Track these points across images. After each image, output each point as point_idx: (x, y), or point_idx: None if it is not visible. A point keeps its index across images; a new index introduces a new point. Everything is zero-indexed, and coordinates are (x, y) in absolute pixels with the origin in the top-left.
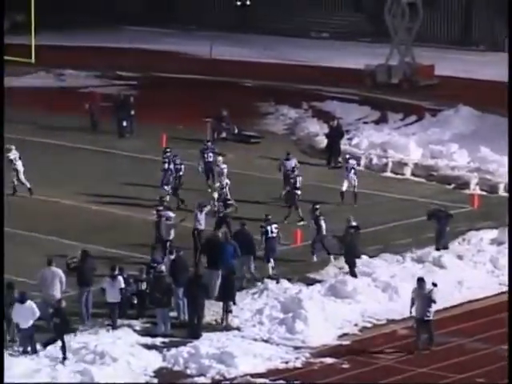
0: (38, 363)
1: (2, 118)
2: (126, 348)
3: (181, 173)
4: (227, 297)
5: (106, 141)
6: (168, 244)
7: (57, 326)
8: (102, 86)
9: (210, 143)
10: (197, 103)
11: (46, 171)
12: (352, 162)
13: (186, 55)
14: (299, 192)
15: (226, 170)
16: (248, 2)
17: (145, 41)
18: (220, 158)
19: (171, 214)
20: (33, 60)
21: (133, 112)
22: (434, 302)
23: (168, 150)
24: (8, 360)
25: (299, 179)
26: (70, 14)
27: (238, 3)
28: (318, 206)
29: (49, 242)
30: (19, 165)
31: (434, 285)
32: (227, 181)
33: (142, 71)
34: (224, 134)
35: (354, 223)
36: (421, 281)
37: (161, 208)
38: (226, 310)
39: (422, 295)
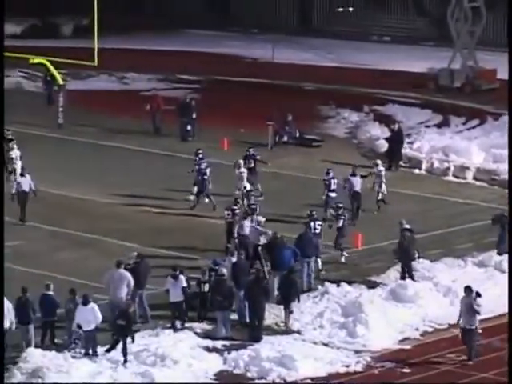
0: (99, 365)
1: (2, 118)
2: (186, 350)
3: (205, 176)
4: (288, 298)
5: (169, 144)
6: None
7: (121, 327)
8: (164, 90)
9: (252, 150)
10: (258, 107)
11: (108, 174)
12: (380, 168)
13: (247, 58)
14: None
15: (245, 175)
16: (350, 9)
17: (207, 44)
18: (240, 161)
19: (261, 219)
20: (96, 63)
21: (194, 115)
22: (478, 312)
23: (200, 151)
24: (70, 362)
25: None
26: (133, 17)
27: (340, 9)
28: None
29: (110, 244)
30: (18, 164)
31: (478, 295)
32: (247, 185)
33: (204, 74)
34: (285, 138)
35: (407, 226)
36: (467, 289)
37: (235, 208)
38: (288, 312)
39: (467, 304)
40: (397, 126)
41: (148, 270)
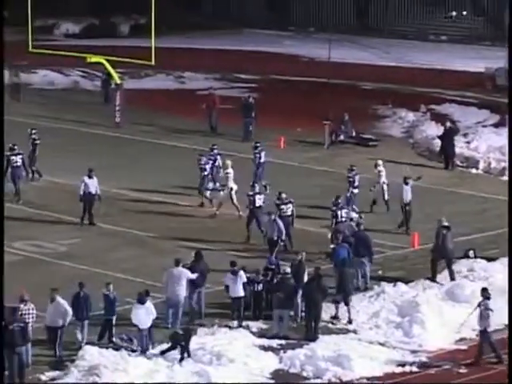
0: (155, 364)
1: (1, 118)
2: (242, 349)
3: (205, 172)
4: (344, 293)
5: (225, 143)
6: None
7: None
8: (221, 89)
9: (258, 144)
10: (315, 106)
11: (165, 172)
12: (380, 168)
13: (304, 58)
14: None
15: (231, 175)
16: (464, 12)
17: (264, 43)
18: (228, 162)
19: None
20: (153, 62)
21: (253, 114)
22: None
23: (215, 146)
24: (126, 360)
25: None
26: (191, 16)
27: (453, 13)
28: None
29: (167, 243)
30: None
31: (487, 297)
32: (233, 185)
33: (262, 74)
34: (342, 137)
35: (445, 223)
36: (484, 291)
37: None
38: (347, 307)
39: (483, 306)
40: (448, 124)
41: (206, 268)
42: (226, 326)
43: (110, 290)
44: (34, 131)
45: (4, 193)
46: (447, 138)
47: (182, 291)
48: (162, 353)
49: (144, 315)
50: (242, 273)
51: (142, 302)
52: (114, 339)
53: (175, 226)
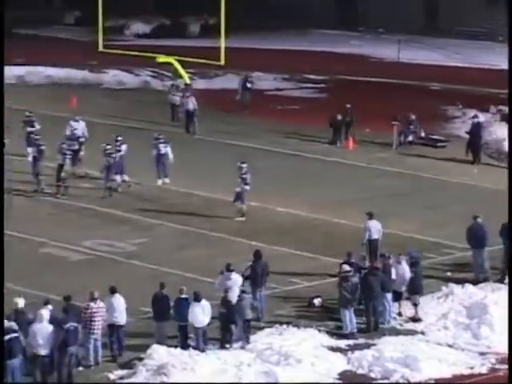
0: (224, 363)
1: (1, 118)
2: (310, 350)
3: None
4: (414, 290)
5: (295, 144)
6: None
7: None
8: (289, 89)
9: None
10: (383, 106)
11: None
12: None
13: (373, 58)
14: None
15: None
16: None
17: (333, 43)
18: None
19: None
20: (222, 62)
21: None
22: None
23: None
24: (195, 360)
25: None
26: (260, 17)
27: None
28: None
29: (236, 243)
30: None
31: None
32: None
33: (330, 74)
34: (410, 138)
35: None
36: None
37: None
38: (415, 305)
39: None
40: (476, 119)
41: (266, 268)
42: (295, 325)
43: (184, 293)
44: (119, 138)
45: (4, 193)
46: (474, 132)
47: (234, 295)
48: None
49: (200, 313)
50: None
51: (197, 299)
52: (189, 342)
53: (245, 226)
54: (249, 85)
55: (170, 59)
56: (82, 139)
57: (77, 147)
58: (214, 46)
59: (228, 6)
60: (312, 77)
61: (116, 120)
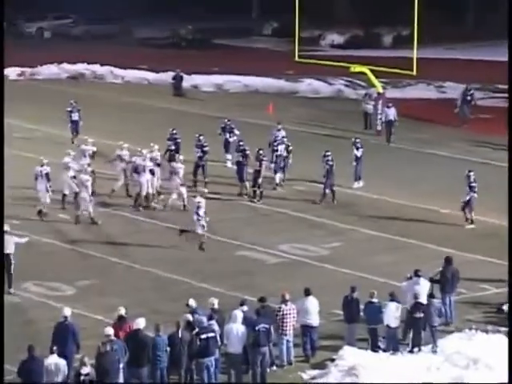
0: (412, 366)
1: (1, 118)
2: (498, 355)
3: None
4: None
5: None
6: None
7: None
8: (480, 99)
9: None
10: None
11: (425, 181)
12: None
13: None
14: None
15: None
16: None
17: None
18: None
19: None
20: (414, 72)
21: None
22: None
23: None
24: (384, 361)
25: None
26: (453, 28)
27: None
28: None
29: (424, 248)
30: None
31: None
32: None
33: None
34: None
35: None
36: None
37: None
38: None
39: None
40: None
41: (457, 274)
42: (484, 331)
43: (374, 297)
44: (328, 153)
45: (4, 193)
46: None
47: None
48: (411, 351)
49: (394, 313)
50: None
51: (393, 299)
52: (379, 345)
53: (434, 233)
54: (469, 97)
55: (364, 69)
56: (290, 147)
57: (283, 153)
58: (406, 56)
59: (421, 18)
60: (502, 86)
61: (310, 128)
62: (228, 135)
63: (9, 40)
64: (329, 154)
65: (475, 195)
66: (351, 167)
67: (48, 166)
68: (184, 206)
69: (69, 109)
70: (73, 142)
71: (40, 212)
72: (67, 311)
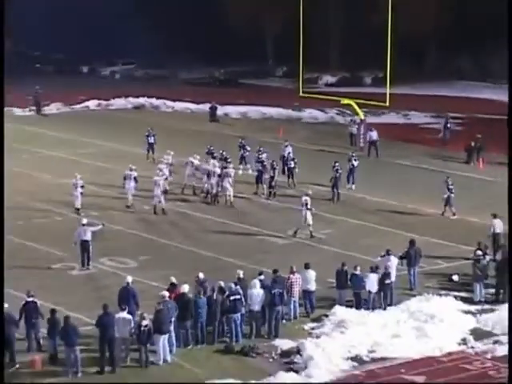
0: (385, 319)
1: (1, 119)
2: (449, 312)
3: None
4: None
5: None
6: None
7: None
8: (436, 123)
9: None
10: (505, 136)
11: (405, 187)
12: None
13: (498, 101)
14: None
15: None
16: None
17: (471, 91)
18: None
19: None
20: (387, 104)
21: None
22: None
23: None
24: (365, 316)
25: None
26: (417, 70)
27: None
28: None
29: (399, 235)
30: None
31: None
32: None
33: (467, 113)
34: None
35: None
36: None
37: None
38: None
39: None
40: None
41: (419, 252)
42: (438, 294)
43: (358, 270)
44: (336, 164)
45: (4, 193)
46: None
47: (392, 274)
48: None
49: (375, 282)
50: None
51: (374, 271)
52: (362, 305)
53: (404, 222)
54: (449, 125)
55: (350, 101)
56: (295, 160)
57: (292, 165)
58: (381, 92)
59: (392, 64)
60: (453, 114)
61: (310, 145)
62: (242, 151)
63: (90, 80)
64: (337, 164)
65: (452, 195)
66: (346, 173)
67: (135, 171)
68: (231, 202)
69: (146, 133)
70: (147, 159)
71: (128, 206)
72: (129, 278)
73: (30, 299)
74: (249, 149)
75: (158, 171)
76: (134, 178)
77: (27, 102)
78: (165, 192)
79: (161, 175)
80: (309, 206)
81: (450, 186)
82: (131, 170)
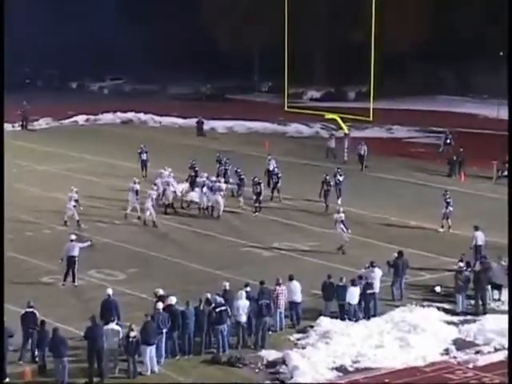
0: (370, 330)
1: (1, 119)
2: (432, 322)
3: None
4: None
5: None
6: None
7: None
8: (419, 137)
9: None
10: (486, 150)
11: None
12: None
13: (479, 116)
14: None
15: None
16: None
17: (452, 105)
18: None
19: None
20: (371, 118)
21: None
22: None
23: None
24: (350, 327)
25: None
26: (400, 84)
27: None
28: None
29: (380, 247)
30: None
31: None
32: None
33: (449, 127)
34: (506, 173)
35: None
36: None
37: None
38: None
39: None
40: None
41: (406, 263)
42: (421, 305)
43: (343, 281)
44: (327, 177)
45: (4, 193)
46: None
47: (376, 286)
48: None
49: (356, 295)
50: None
51: (354, 284)
52: (345, 316)
53: (388, 234)
54: (448, 141)
55: (335, 116)
56: (279, 174)
57: (275, 180)
58: (365, 106)
59: (376, 79)
60: (435, 129)
61: (296, 158)
62: (218, 165)
63: (79, 95)
64: (328, 177)
65: (451, 208)
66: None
67: (139, 184)
68: (218, 215)
69: (139, 150)
70: (143, 176)
71: (126, 216)
72: (109, 290)
73: (30, 310)
74: (228, 162)
75: (153, 185)
76: (136, 191)
77: (16, 117)
78: (171, 206)
79: (155, 189)
80: (344, 223)
81: (448, 200)
82: (135, 182)
